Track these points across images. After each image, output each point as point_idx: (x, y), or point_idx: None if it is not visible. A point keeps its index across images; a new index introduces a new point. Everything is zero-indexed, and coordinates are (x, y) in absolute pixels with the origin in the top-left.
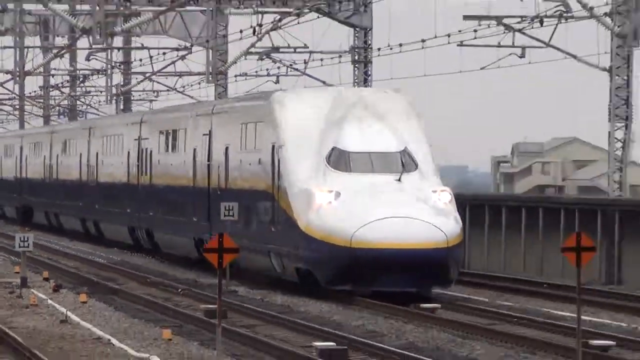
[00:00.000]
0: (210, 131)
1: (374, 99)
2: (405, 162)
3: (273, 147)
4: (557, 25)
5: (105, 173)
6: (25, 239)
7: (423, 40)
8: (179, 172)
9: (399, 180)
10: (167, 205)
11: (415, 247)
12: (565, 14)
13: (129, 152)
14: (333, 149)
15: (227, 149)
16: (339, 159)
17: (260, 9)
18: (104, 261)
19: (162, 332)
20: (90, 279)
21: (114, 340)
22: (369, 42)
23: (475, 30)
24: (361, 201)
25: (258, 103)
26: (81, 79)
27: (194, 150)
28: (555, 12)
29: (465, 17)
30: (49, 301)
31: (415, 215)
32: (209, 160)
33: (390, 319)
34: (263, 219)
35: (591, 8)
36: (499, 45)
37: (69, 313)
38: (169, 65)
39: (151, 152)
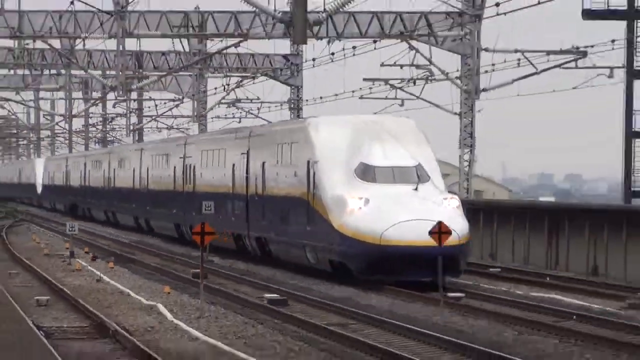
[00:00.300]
0: (248, 150)
1: (391, 124)
2: (420, 175)
3: (308, 162)
4: (425, 84)
5: (154, 182)
6: (73, 226)
7: (336, 95)
8: (219, 182)
9: (416, 189)
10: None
11: (433, 244)
12: (430, 77)
13: (175, 167)
14: (360, 163)
15: (263, 164)
16: (366, 172)
17: (228, 74)
18: (126, 241)
19: (164, 287)
20: (116, 252)
21: (132, 293)
22: (301, 95)
23: (370, 88)
24: (387, 206)
25: (294, 127)
26: (110, 120)
27: (233, 165)
28: (423, 76)
29: (364, 79)
30: (89, 267)
31: (433, 217)
32: (247, 173)
33: (315, 279)
34: (299, 220)
35: (447, 73)
36: (386, 98)
37: (102, 275)
38: (167, 110)
39: (194, 167)
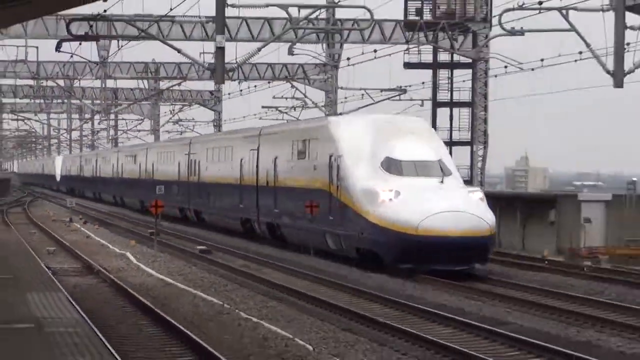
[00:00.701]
0: (258, 147)
1: (406, 122)
2: (442, 169)
3: (330, 157)
4: (301, 110)
5: (160, 174)
6: (72, 201)
7: (244, 117)
8: (228, 174)
9: (442, 182)
10: (214, 195)
11: (468, 234)
12: (305, 105)
13: (179, 162)
14: (386, 158)
15: (275, 158)
16: (392, 166)
17: (173, 103)
18: (107, 211)
19: (131, 241)
20: (100, 218)
21: (109, 245)
22: (221, 117)
23: (266, 112)
24: (419, 198)
25: (312, 126)
26: (96, 132)
27: (241, 160)
28: (300, 104)
29: (263, 107)
30: (82, 228)
31: (466, 209)
32: (257, 166)
33: (233, 237)
34: (319, 209)
35: (316, 103)
36: (276, 119)
37: (90, 233)
38: (134, 126)
39: (199, 161)
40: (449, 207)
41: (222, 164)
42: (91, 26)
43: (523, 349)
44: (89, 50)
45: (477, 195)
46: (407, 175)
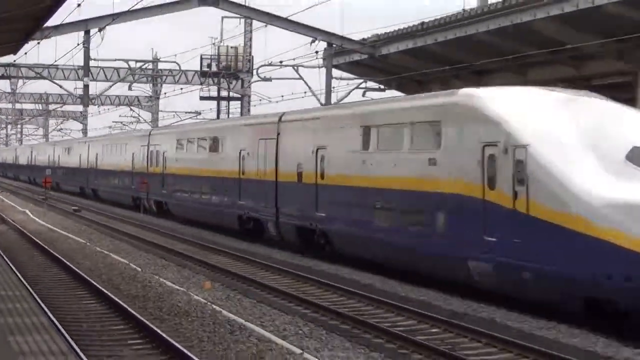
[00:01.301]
0: (278, 136)
1: (602, 98)
2: None
3: (484, 147)
4: (136, 124)
5: (105, 165)
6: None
7: (101, 127)
8: (217, 167)
9: None
10: (189, 188)
11: None
12: (139, 122)
13: (133, 154)
14: (634, 148)
15: (317, 150)
16: None
17: (57, 118)
18: (17, 185)
19: (29, 204)
20: (11, 189)
21: (16, 205)
22: (87, 128)
23: (116, 125)
24: None
25: (422, 104)
26: (9, 136)
27: (240, 151)
28: (135, 121)
29: (113, 121)
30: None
31: None
32: (277, 159)
33: (95, 202)
34: (452, 224)
35: (145, 120)
36: (121, 130)
37: (4, 198)
38: (32, 133)
39: (164, 152)
40: None
41: (203, 155)
42: (6, 70)
43: None
44: (4, 85)
45: None
46: None
